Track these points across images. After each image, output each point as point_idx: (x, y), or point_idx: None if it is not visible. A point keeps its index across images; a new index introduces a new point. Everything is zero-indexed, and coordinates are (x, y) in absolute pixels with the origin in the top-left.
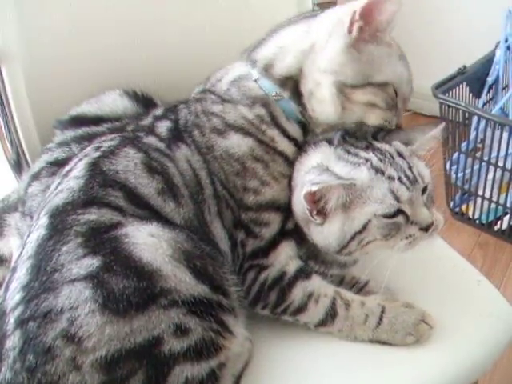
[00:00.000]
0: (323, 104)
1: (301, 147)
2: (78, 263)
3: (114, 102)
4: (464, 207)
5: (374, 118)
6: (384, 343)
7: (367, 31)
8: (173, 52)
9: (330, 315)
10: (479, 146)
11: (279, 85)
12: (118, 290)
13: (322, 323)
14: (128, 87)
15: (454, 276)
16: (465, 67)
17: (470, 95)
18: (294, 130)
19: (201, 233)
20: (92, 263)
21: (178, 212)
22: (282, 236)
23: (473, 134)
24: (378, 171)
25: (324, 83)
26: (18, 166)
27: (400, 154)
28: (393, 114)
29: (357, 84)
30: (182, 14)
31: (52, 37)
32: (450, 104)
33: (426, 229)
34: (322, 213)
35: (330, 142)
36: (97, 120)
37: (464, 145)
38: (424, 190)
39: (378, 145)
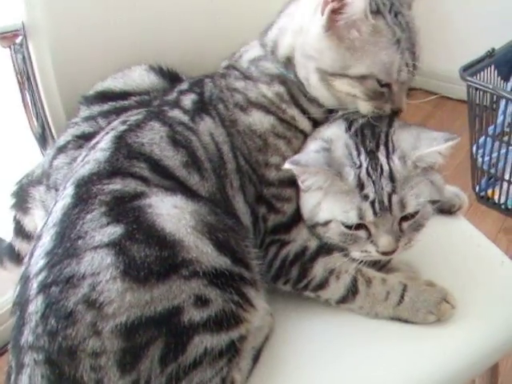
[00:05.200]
0: (315, 89)
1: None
2: (101, 231)
3: (141, 77)
4: (490, 192)
5: (363, 107)
6: (405, 321)
7: (342, 14)
8: (200, 26)
9: (351, 292)
10: (507, 130)
11: (284, 67)
12: (140, 258)
13: (343, 300)
14: (154, 62)
15: (478, 255)
16: (493, 50)
17: (498, 78)
18: (314, 109)
19: (223, 207)
20: (115, 231)
21: (202, 185)
22: None
23: (500, 118)
24: (359, 185)
25: (309, 68)
26: (43, 139)
27: (391, 175)
28: (383, 102)
29: (335, 73)
30: None
31: (77, 10)
32: (478, 86)
33: (382, 253)
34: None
35: (348, 124)
36: (123, 95)
37: (491, 128)
38: (405, 217)
39: (379, 154)
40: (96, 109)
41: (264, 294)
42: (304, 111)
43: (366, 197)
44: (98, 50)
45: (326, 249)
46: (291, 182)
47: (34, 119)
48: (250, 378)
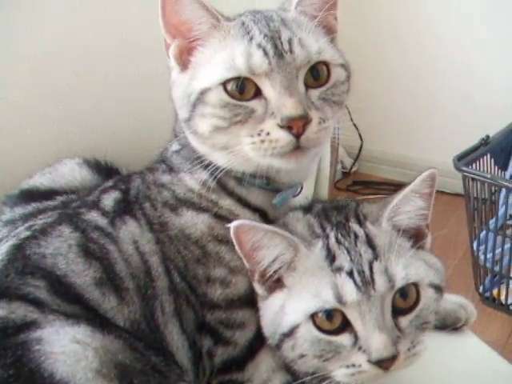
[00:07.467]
0: (200, 151)
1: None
2: None
3: (71, 173)
4: (495, 292)
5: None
6: None
7: (183, 41)
8: (144, 118)
9: None
10: (509, 222)
11: None
12: None
13: None
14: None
15: None
16: (488, 137)
17: (496, 167)
18: (255, 196)
19: (150, 340)
20: None
21: (120, 311)
22: (261, 341)
23: (501, 210)
24: (328, 256)
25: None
26: None
27: (369, 240)
28: (257, 121)
29: (186, 117)
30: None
31: (4, 106)
32: (475, 177)
33: (376, 363)
34: (263, 280)
35: (306, 209)
36: (50, 194)
37: (492, 222)
38: (402, 311)
39: (350, 223)
40: (19, 211)
41: None
42: (241, 200)
43: (339, 269)
44: (27, 146)
45: None
46: (242, 301)
47: None
48: None
